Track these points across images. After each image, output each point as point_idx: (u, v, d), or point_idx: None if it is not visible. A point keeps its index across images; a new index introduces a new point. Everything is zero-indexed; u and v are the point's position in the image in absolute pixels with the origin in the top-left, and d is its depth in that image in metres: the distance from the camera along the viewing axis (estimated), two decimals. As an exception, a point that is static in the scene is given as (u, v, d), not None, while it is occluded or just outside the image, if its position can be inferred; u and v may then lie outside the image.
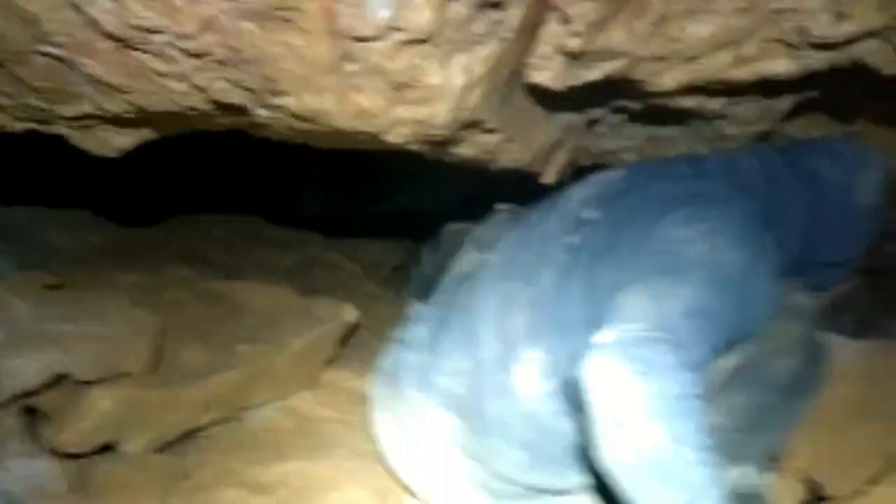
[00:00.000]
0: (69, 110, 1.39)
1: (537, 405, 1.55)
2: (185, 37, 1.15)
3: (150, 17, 1.11)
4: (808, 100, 1.70)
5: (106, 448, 1.62)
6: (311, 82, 1.23)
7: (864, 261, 1.99)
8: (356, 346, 2.18)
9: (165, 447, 1.73)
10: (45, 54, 1.25)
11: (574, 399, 1.43)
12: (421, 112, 1.32)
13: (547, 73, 1.44)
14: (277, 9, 1.11)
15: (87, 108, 1.37)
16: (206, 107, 1.34)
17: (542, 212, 1.79)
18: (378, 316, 2.37)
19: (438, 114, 1.32)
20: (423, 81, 1.26)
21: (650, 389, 1.20)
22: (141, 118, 1.42)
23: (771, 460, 1.57)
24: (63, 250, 2.33)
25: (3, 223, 2.29)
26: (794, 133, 1.88)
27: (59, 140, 1.56)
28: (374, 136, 1.37)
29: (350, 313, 2.08)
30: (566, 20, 1.32)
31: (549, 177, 1.87)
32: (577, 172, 1.95)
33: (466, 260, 1.88)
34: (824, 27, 1.32)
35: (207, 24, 1.14)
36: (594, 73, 1.46)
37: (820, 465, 1.58)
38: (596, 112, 1.76)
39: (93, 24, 1.15)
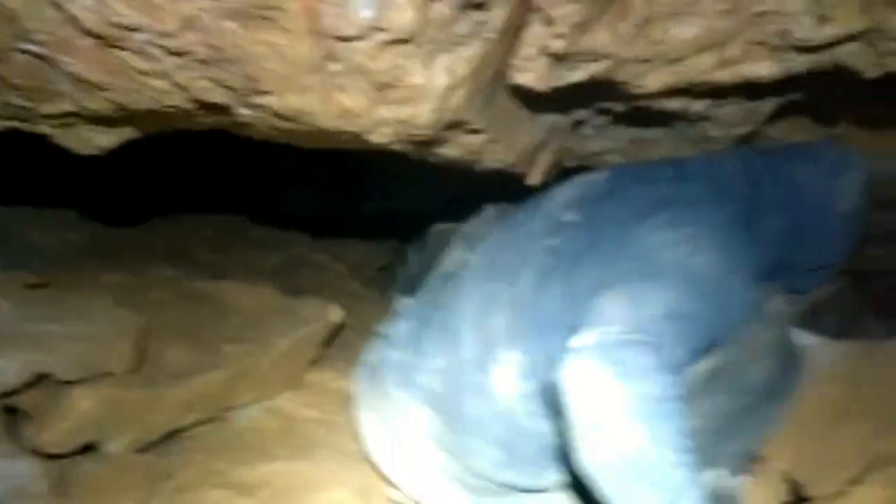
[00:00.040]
0: (50, 108, 1.38)
1: (514, 406, 1.56)
2: (166, 35, 1.14)
3: (131, 15, 1.11)
4: (790, 102, 1.71)
5: (88, 448, 1.61)
6: (294, 82, 1.23)
7: (847, 263, 2.01)
8: (341, 347, 2.18)
9: (149, 447, 1.72)
10: (24, 52, 1.24)
11: (552, 401, 1.44)
12: (404, 112, 1.31)
13: (531, 74, 1.44)
14: (259, 8, 1.10)
15: (68, 106, 1.36)
16: (188, 105, 1.33)
17: (525, 212, 1.80)
18: (363, 316, 2.36)
19: (421, 114, 1.32)
20: (406, 81, 1.26)
21: (630, 391, 1.21)
22: (122, 117, 1.41)
23: (744, 463, 1.58)
24: (47, 250, 2.31)
25: (-14, 222, 2.28)
26: (778, 135, 1.89)
27: (42, 139, 1.55)
28: (357, 136, 1.37)
29: (335, 313, 2.08)
30: (550, 21, 1.32)
31: (533, 178, 1.87)
32: (562, 174, 1.96)
33: (451, 258, 1.89)
34: (806, 30, 1.33)
35: (189, 23, 1.13)
36: (578, 74, 1.46)
37: (802, 466, 1.59)
38: (580, 113, 1.76)
39: (73, 21, 1.14)
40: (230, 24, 1.14)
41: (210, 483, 1.66)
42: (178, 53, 1.19)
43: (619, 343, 1.26)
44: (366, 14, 1.12)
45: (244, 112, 1.35)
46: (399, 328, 1.88)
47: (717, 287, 1.43)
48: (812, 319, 1.91)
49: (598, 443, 1.22)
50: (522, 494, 1.69)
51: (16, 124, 1.52)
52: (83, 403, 1.54)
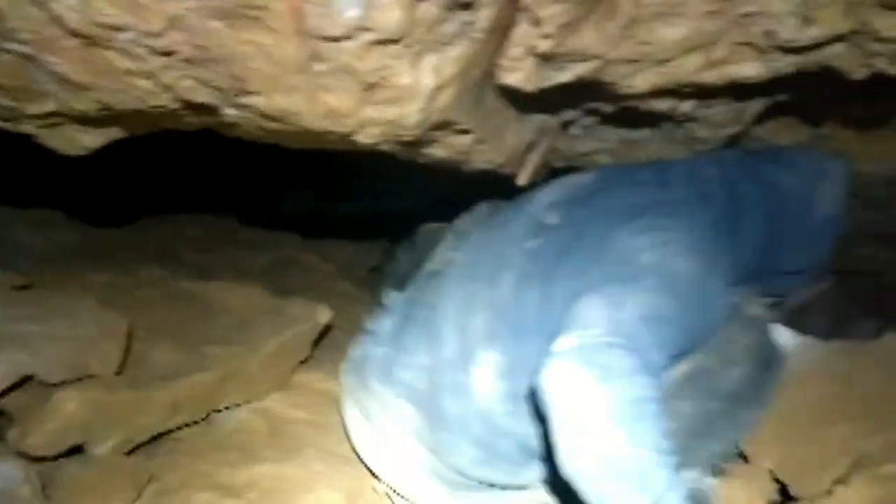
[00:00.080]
0: (35, 108, 1.37)
1: (492, 405, 1.58)
2: (152, 35, 1.14)
3: (115, 15, 1.10)
4: (778, 103, 1.72)
5: (74, 450, 1.59)
6: (280, 82, 1.22)
7: (835, 263, 2.02)
8: (329, 347, 2.17)
9: (135, 449, 1.71)
10: (9, 51, 1.23)
11: (534, 405, 1.46)
12: (391, 112, 1.31)
13: (518, 74, 1.45)
14: (245, 7, 1.10)
15: (53, 106, 1.36)
16: (175, 106, 1.32)
17: (509, 212, 1.81)
18: (352, 316, 2.36)
19: (408, 114, 1.32)
20: (393, 82, 1.26)
21: (612, 394, 1.22)
22: (108, 117, 1.40)
23: (718, 465, 1.59)
24: (33, 250, 2.30)
25: (-28, 224, 2.26)
26: (766, 136, 1.90)
27: (28, 139, 1.54)
28: (344, 137, 1.37)
29: (323, 314, 2.07)
30: (537, 22, 1.32)
31: (523, 178, 1.88)
32: (551, 174, 1.96)
33: (437, 256, 1.90)
34: (791, 31, 1.33)
35: (174, 22, 1.12)
36: (565, 74, 1.46)
37: (788, 466, 1.59)
38: (569, 114, 1.76)
39: (57, 21, 1.14)
40: (216, 24, 1.13)
41: (197, 485, 1.64)
42: (163, 53, 1.19)
43: (600, 346, 1.27)
44: (352, 14, 1.12)
45: (230, 112, 1.34)
46: (384, 324, 1.90)
47: (696, 291, 1.44)
48: (800, 319, 1.92)
49: (580, 446, 1.23)
50: (501, 491, 1.70)
51: (1, 124, 1.51)
52: (68, 405, 1.53)
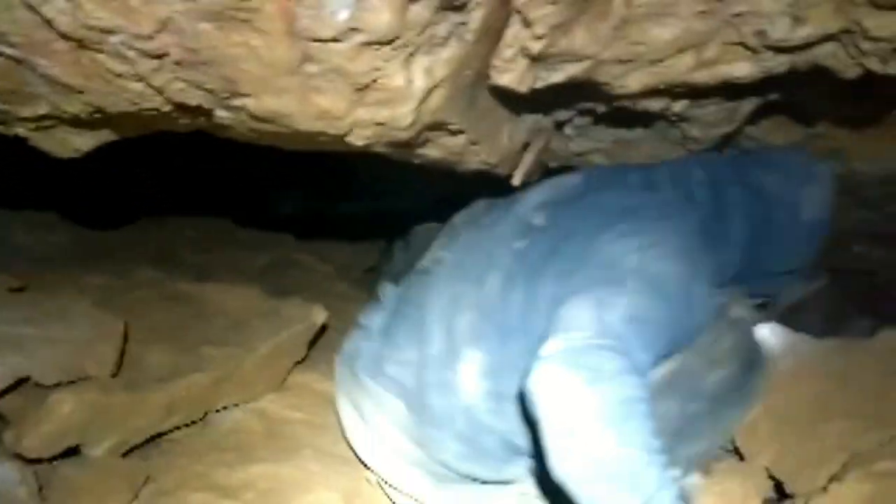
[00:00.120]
0: (27, 111, 1.37)
1: (475, 402, 1.60)
2: (142, 37, 1.13)
3: (105, 18, 1.10)
4: (770, 103, 1.72)
5: (70, 452, 1.59)
6: (271, 83, 1.22)
7: (832, 261, 2.02)
8: (325, 348, 2.17)
9: (131, 451, 1.71)
10: (0, 54, 1.23)
11: (516, 403, 1.50)
12: (382, 114, 1.31)
13: (511, 75, 1.45)
14: (235, 9, 1.10)
15: (44, 108, 1.36)
16: (166, 108, 1.32)
17: (499, 212, 1.82)
18: (349, 317, 2.34)
19: (401, 116, 1.32)
20: (385, 83, 1.26)
21: (602, 395, 1.22)
22: (100, 119, 1.40)
23: (699, 465, 1.60)
24: (29, 252, 2.30)
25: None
26: (759, 135, 1.90)
27: (23, 141, 1.54)
28: (336, 138, 1.37)
29: (319, 315, 2.07)
30: (528, 23, 1.32)
31: (517, 179, 1.88)
32: (546, 175, 1.96)
33: (428, 255, 1.91)
34: (782, 30, 1.34)
35: (164, 25, 1.12)
36: (558, 75, 1.47)
37: (784, 463, 1.60)
38: (562, 114, 1.77)
39: (48, 24, 1.13)
40: (206, 26, 1.13)
41: (193, 486, 1.65)
42: (154, 56, 1.18)
43: (587, 348, 1.28)
44: (342, 16, 1.12)
45: (222, 114, 1.34)
46: (375, 320, 1.92)
47: (681, 292, 1.45)
48: (795, 318, 1.92)
49: (570, 449, 1.23)
50: (485, 485, 1.72)
51: (-7, 127, 1.51)
52: (64, 407, 1.53)
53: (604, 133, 1.87)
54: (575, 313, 1.36)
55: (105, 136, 1.53)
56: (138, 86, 1.25)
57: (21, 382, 1.55)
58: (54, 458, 1.56)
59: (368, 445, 1.80)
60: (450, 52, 1.29)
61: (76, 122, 1.44)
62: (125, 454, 1.69)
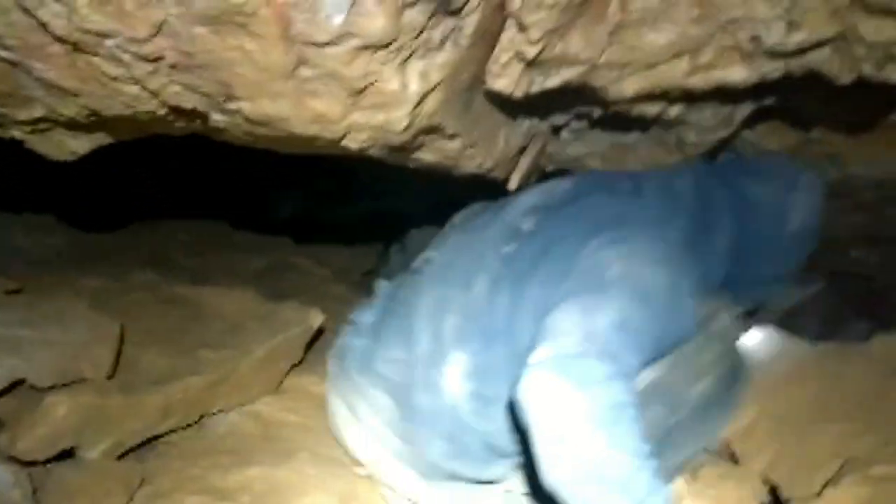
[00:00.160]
0: (23, 114, 1.37)
1: (460, 403, 1.61)
2: (137, 41, 1.14)
3: (101, 21, 1.10)
4: (766, 107, 1.73)
5: (65, 455, 1.59)
6: (266, 87, 1.23)
7: (828, 265, 2.02)
8: (322, 351, 2.16)
9: (126, 454, 1.71)
10: (-5, 57, 1.24)
11: (498, 406, 1.51)
12: (378, 118, 1.32)
13: (506, 79, 1.45)
14: (230, 13, 1.10)
15: (40, 111, 1.36)
16: (162, 111, 1.33)
17: (489, 215, 1.82)
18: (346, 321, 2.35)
19: (395, 119, 1.33)
20: (380, 87, 1.26)
21: (592, 400, 1.23)
22: (95, 122, 1.40)
23: (676, 473, 1.61)
24: (25, 254, 2.30)
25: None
26: (755, 139, 1.91)
27: (20, 144, 1.55)
28: (331, 142, 1.37)
29: (315, 318, 2.07)
30: (524, 28, 1.33)
31: (514, 183, 1.88)
32: (542, 179, 1.96)
33: (420, 256, 1.92)
34: (777, 36, 1.34)
35: (159, 29, 1.13)
36: (553, 80, 1.47)
37: (779, 467, 1.60)
38: (559, 118, 1.77)
39: (43, 27, 1.14)
40: (201, 30, 1.14)
41: (189, 489, 1.64)
42: (149, 59, 1.19)
43: (576, 355, 1.29)
44: (337, 20, 1.12)
45: (218, 118, 1.35)
46: (366, 317, 1.94)
47: (666, 300, 1.46)
48: (792, 321, 1.92)
49: (560, 455, 1.24)
50: (471, 484, 1.74)
51: (-11, 130, 1.51)
52: (59, 410, 1.52)
53: (600, 137, 1.87)
54: (562, 321, 1.37)
55: (101, 139, 1.53)
56: (134, 89, 1.26)
57: (16, 384, 1.55)
58: (49, 460, 1.56)
59: (359, 440, 1.81)
60: (445, 56, 1.29)
61: (72, 125, 1.44)
62: (120, 457, 1.69)
